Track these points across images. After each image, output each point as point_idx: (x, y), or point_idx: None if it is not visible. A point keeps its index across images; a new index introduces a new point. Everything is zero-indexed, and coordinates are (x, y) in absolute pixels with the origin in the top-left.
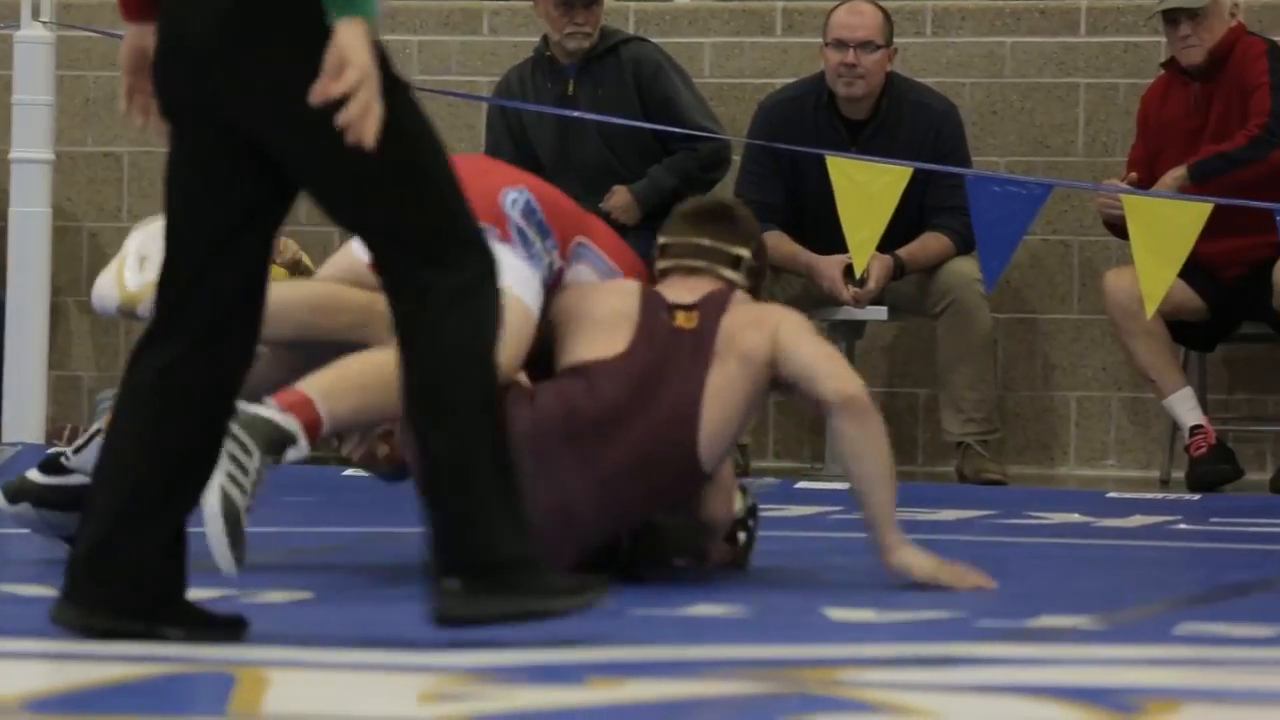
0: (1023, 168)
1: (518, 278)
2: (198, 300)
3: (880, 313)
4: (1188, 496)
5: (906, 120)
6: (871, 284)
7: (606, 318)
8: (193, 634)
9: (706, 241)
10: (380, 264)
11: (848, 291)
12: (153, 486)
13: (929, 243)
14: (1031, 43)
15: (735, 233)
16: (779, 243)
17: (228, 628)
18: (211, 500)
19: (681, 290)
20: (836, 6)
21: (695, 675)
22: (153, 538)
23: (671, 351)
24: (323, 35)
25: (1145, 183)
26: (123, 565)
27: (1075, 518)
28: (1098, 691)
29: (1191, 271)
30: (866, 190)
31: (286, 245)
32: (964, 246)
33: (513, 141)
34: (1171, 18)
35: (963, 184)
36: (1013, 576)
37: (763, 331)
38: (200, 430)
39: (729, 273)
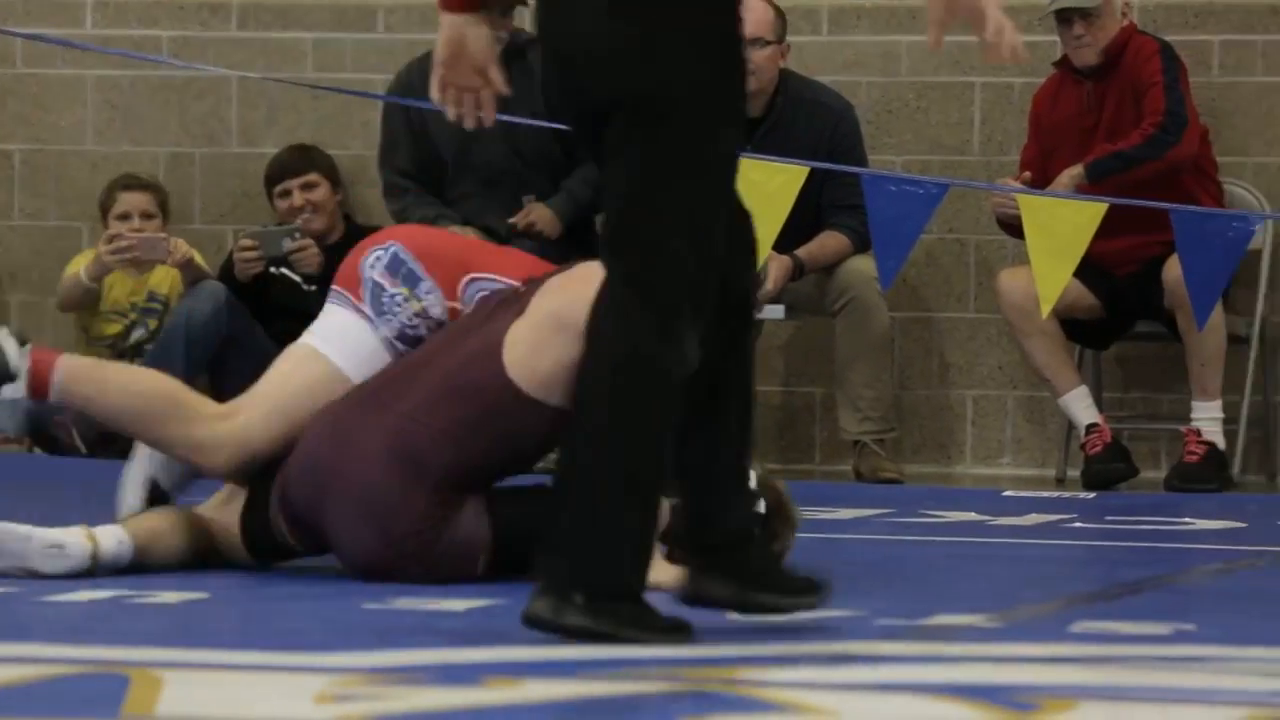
0: (919, 167)
1: (330, 337)
2: (712, 285)
3: (778, 311)
4: (1083, 495)
5: (802, 118)
6: (769, 285)
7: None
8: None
9: None
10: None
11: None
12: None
13: (827, 242)
14: (926, 41)
15: None
16: None
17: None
18: None
19: None
20: None
21: (593, 675)
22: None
23: (499, 310)
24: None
25: (1039, 182)
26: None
27: (971, 516)
28: (994, 689)
29: (1086, 270)
30: (763, 190)
31: (178, 245)
32: (861, 245)
33: (412, 138)
34: (1064, 17)
35: (859, 183)
36: (909, 575)
37: (566, 293)
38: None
39: None
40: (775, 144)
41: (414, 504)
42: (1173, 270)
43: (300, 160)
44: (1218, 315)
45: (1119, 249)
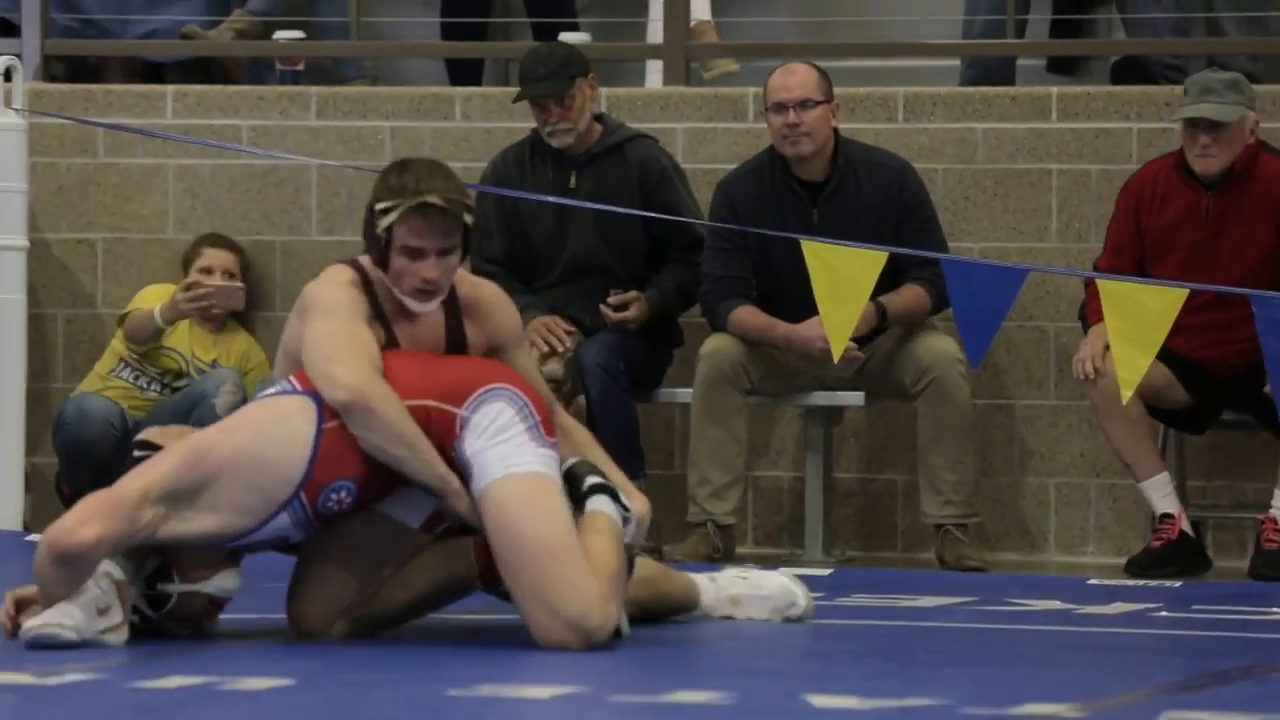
0: (997, 253)
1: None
2: None
3: (857, 398)
4: (1169, 583)
5: (865, 179)
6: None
7: None
8: None
9: None
10: None
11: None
12: None
13: (906, 293)
14: (1003, 129)
15: None
16: (751, 317)
17: None
18: None
19: None
20: (771, 74)
21: None
22: None
23: None
24: None
25: (1127, 272)
26: None
27: (1056, 604)
28: None
29: (1182, 370)
30: (841, 275)
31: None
32: (939, 301)
33: (504, 225)
34: (1193, 124)
35: (932, 237)
36: (995, 664)
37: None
38: None
39: None
40: (841, 206)
41: None
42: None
43: None
44: None
45: (1222, 355)
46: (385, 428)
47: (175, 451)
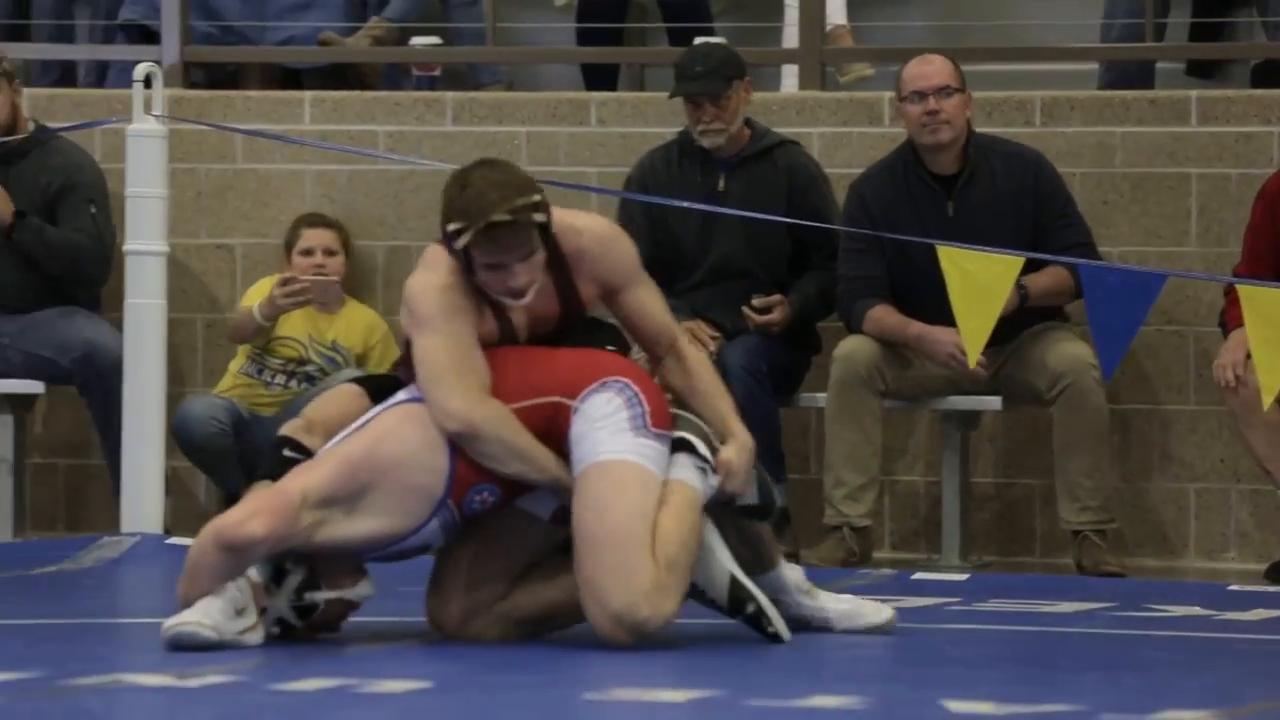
0: (1135, 258)
1: None
2: None
3: (994, 402)
4: None
5: (999, 168)
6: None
7: None
8: None
9: None
10: None
11: (967, 359)
12: None
13: (1049, 273)
14: (1142, 133)
15: None
16: (885, 315)
17: None
18: None
19: None
20: (904, 65)
21: None
22: None
23: None
24: None
25: (1270, 275)
26: None
27: (1196, 611)
28: None
29: None
30: (978, 281)
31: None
32: (1078, 282)
33: (649, 227)
34: None
35: (1073, 221)
36: (1135, 670)
37: None
38: None
39: None
40: (976, 197)
41: None
42: None
43: None
44: None
45: None
46: (496, 449)
47: (329, 459)
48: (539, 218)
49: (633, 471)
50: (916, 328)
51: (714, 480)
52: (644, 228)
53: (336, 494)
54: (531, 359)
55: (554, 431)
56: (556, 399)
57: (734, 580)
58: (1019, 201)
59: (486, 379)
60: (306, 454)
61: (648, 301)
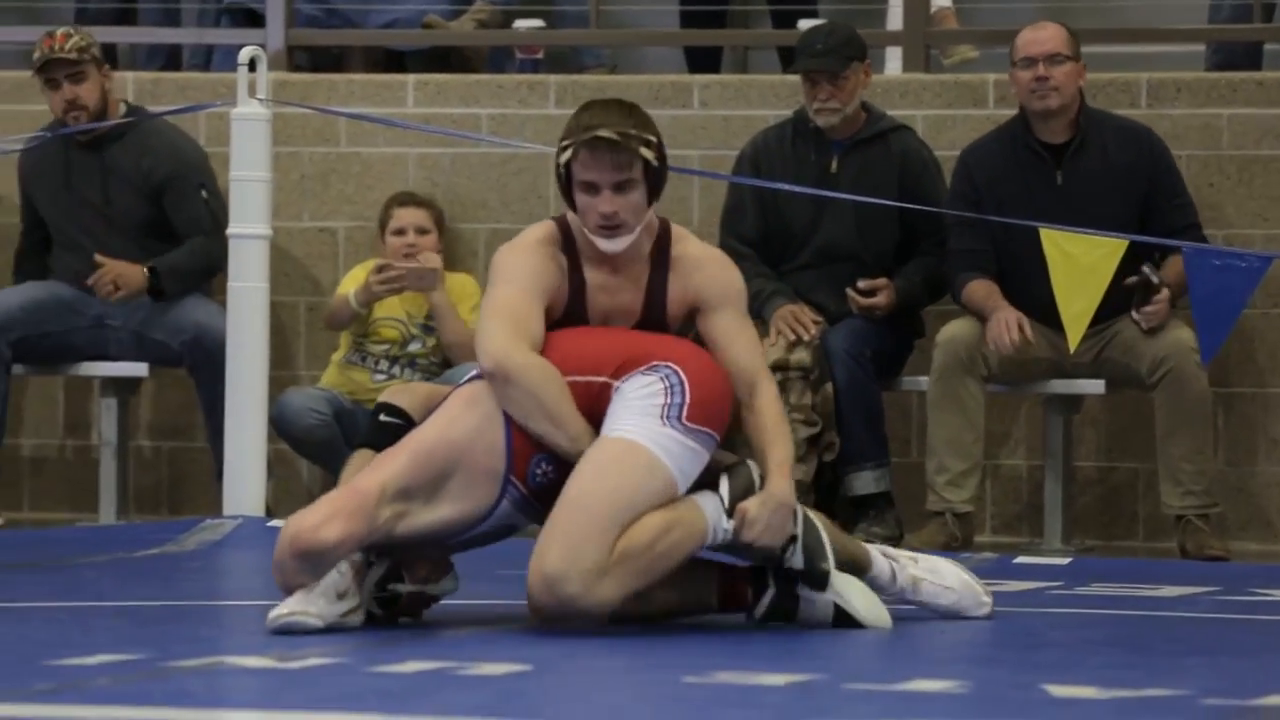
0: (1241, 240)
1: None
2: None
3: (1097, 386)
4: None
5: (1111, 139)
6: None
7: None
8: None
9: None
10: None
11: (1072, 339)
12: None
13: (1175, 262)
14: (1249, 114)
15: None
16: (977, 290)
17: None
18: None
19: None
20: (1019, 31)
21: None
22: None
23: None
24: None
25: None
26: None
27: None
28: None
29: None
30: (1080, 264)
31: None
32: None
33: (760, 206)
34: None
35: (1185, 202)
36: (1238, 655)
37: None
38: None
39: None
40: (1086, 166)
41: None
42: None
43: None
44: None
45: None
46: (526, 400)
47: (403, 450)
48: (646, 153)
49: (638, 455)
50: (989, 309)
51: (727, 524)
52: (753, 206)
53: (413, 485)
54: (592, 336)
55: (597, 412)
56: (604, 379)
57: (837, 610)
58: (1130, 175)
59: (539, 337)
60: (404, 418)
61: (737, 333)
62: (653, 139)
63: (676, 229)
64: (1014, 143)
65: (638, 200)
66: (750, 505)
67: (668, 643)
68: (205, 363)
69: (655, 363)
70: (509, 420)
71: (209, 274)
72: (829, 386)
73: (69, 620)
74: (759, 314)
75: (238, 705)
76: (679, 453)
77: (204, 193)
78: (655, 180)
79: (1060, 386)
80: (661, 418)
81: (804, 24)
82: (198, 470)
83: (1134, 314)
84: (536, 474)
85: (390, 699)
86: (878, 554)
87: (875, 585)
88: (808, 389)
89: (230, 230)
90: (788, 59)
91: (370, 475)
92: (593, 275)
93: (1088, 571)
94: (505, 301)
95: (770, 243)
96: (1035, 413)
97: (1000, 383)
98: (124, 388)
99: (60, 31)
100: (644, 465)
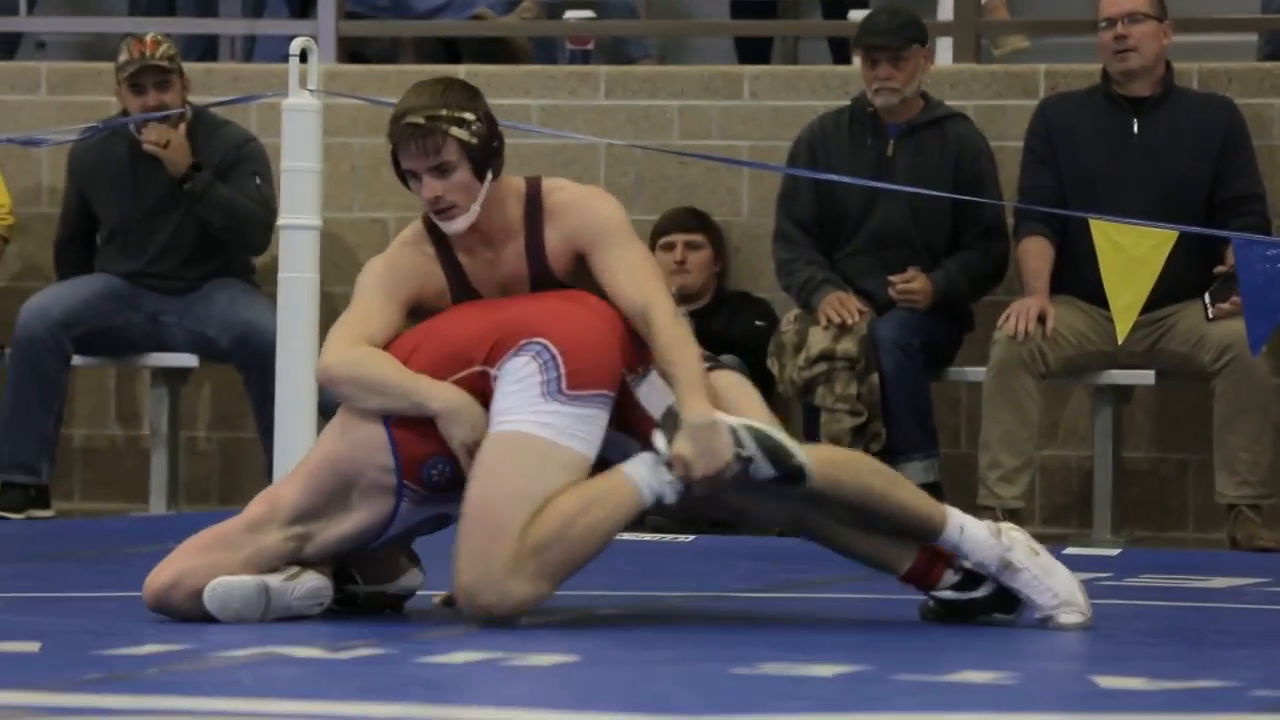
0: None
1: None
2: None
3: (1148, 376)
4: None
5: (1193, 106)
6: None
7: None
8: None
9: None
10: None
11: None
12: None
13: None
14: None
15: None
16: (1029, 252)
17: None
18: None
19: None
20: None
21: None
22: None
23: None
24: None
25: None
26: None
27: None
28: None
29: None
30: (1130, 254)
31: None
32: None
33: (815, 190)
34: None
35: (1254, 173)
36: None
37: None
38: None
39: None
40: (1165, 120)
41: None
42: None
43: (693, 220)
44: None
45: None
46: (351, 389)
47: (296, 471)
48: (458, 133)
49: (528, 444)
50: (1032, 285)
51: (669, 476)
52: (808, 190)
53: (311, 506)
54: (460, 321)
55: (485, 401)
56: (479, 368)
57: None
58: (1208, 131)
59: (378, 337)
60: None
61: (617, 268)
62: (467, 116)
63: (549, 181)
64: (1094, 93)
65: (462, 179)
66: (677, 445)
67: (715, 633)
68: (254, 359)
69: (524, 340)
70: (389, 429)
71: (239, 230)
72: (874, 377)
73: (118, 610)
74: (808, 303)
75: (286, 695)
76: (571, 426)
77: (257, 179)
78: (481, 155)
79: (1111, 377)
80: (542, 395)
81: (855, 15)
82: (248, 461)
83: (1208, 301)
84: (433, 474)
85: (438, 690)
86: (979, 528)
87: (955, 547)
88: (853, 379)
89: (281, 221)
90: (839, 49)
91: (258, 504)
92: (467, 258)
93: (1137, 563)
94: (344, 319)
95: (824, 227)
96: (1084, 403)
97: (1055, 378)
98: (174, 378)
99: (150, 37)
100: (537, 453)
